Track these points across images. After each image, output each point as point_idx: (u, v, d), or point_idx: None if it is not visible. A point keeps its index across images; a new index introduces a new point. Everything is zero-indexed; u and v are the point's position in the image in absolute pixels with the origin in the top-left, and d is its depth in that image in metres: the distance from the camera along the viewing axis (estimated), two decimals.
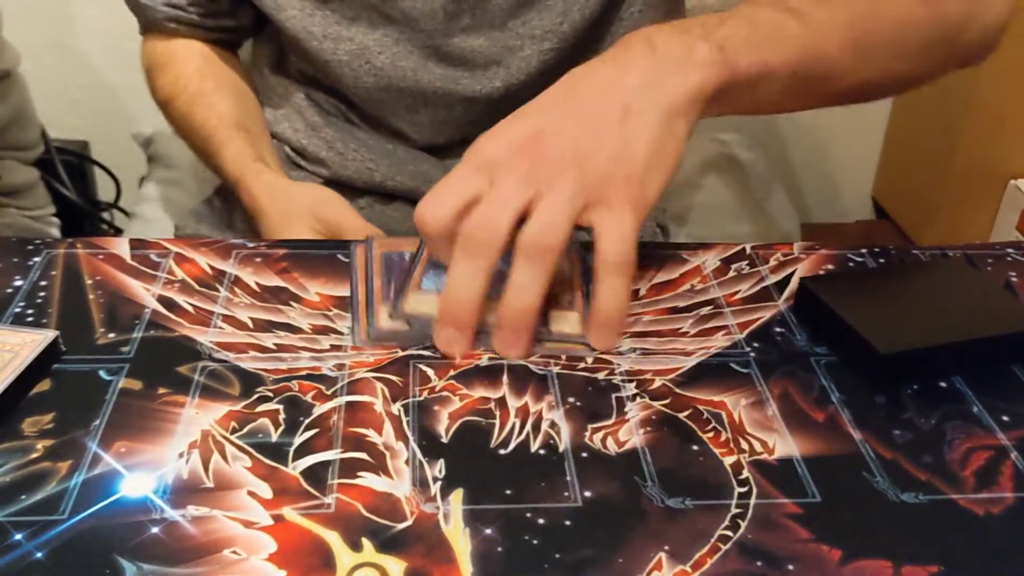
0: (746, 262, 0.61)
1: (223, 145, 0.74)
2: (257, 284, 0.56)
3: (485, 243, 0.48)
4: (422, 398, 0.48)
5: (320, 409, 0.47)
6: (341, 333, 0.52)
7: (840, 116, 1.44)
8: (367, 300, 0.54)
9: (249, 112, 0.79)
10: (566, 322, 0.52)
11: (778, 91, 0.55)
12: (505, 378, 0.49)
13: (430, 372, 0.50)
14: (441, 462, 0.44)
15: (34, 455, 0.43)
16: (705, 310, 0.56)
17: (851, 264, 0.61)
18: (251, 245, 0.59)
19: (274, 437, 0.45)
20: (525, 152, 0.49)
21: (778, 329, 0.54)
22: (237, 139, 0.74)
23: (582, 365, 0.51)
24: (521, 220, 0.48)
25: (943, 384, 0.51)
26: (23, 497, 0.41)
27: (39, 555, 0.38)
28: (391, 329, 0.52)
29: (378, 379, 0.49)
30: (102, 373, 0.48)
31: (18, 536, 0.39)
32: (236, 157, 0.73)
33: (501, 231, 0.48)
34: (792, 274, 0.59)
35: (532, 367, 0.50)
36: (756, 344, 0.53)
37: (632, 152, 0.49)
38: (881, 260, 0.62)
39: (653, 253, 0.61)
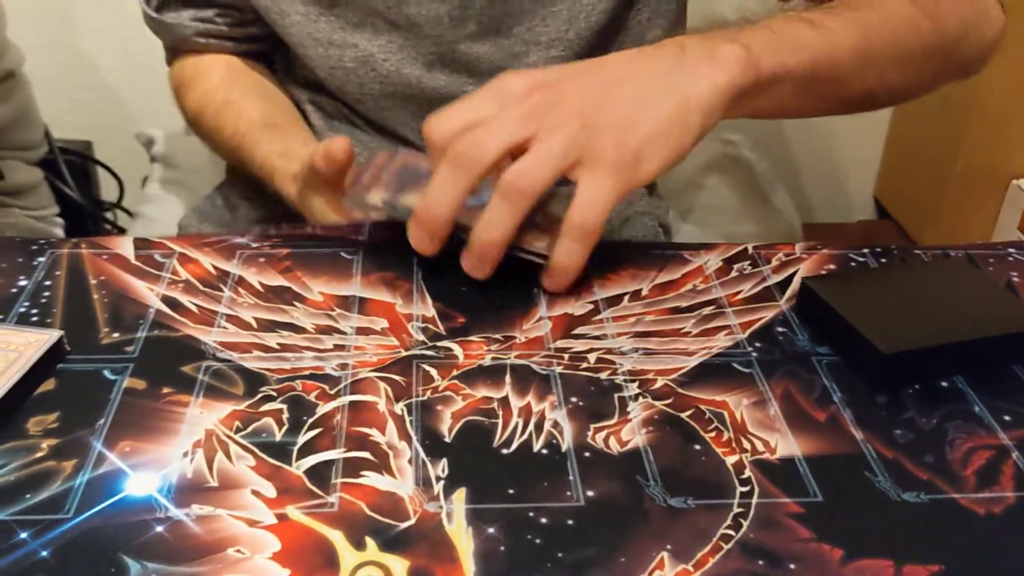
0: (748, 262, 0.61)
1: (252, 150, 0.73)
2: (261, 284, 0.56)
3: (469, 161, 0.49)
4: (425, 398, 0.48)
5: (323, 408, 0.47)
6: (344, 333, 0.52)
7: (843, 117, 1.44)
8: (371, 180, 0.57)
9: (277, 108, 0.77)
10: (532, 237, 0.54)
11: (792, 94, 0.57)
12: (508, 378, 0.50)
13: (433, 372, 0.50)
14: (444, 461, 0.44)
15: (39, 454, 0.43)
16: (707, 310, 0.56)
17: (853, 264, 0.61)
18: (255, 245, 0.60)
19: (278, 436, 0.45)
20: (539, 94, 0.51)
21: (780, 329, 0.55)
22: (263, 140, 0.72)
23: (585, 365, 0.51)
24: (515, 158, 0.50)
25: (944, 384, 0.51)
26: (28, 496, 0.41)
27: (44, 554, 0.38)
28: (370, 204, 0.56)
29: (381, 379, 0.49)
30: (106, 373, 0.49)
31: (23, 535, 0.39)
32: (263, 160, 0.72)
33: (487, 155, 0.49)
34: (794, 274, 0.59)
35: (535, 367, 0.50)
36: (758, 344, 0.53)
37: (637, 126, 0.50)
38: (883, 260, 0.62)
39: (655, 253, 0.61)
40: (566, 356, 0.52)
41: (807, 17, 0.58)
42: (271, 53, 0.83)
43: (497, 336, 0.53)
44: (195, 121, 0.79)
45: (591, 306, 0.56)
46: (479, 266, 0.53)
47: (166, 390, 0.48)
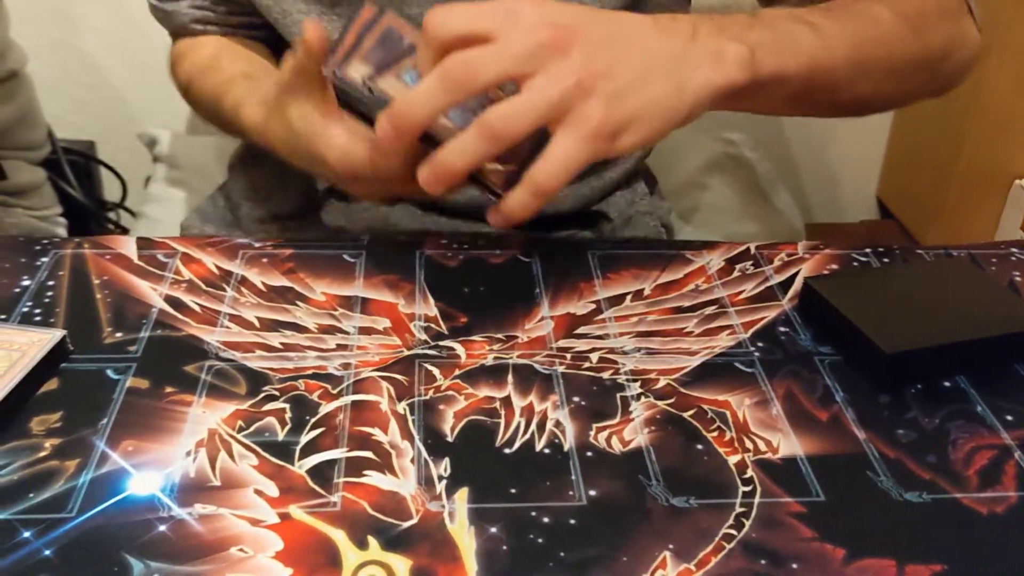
0: (750, 262, 0.61)
1: (226, 95, 0.71)
2: (263, 284, 0.56)
3: (460, 81, 0.48)
4: (427, 397, 0.48)
5: (326, 408, 0.47)
6: (347, 332, 0.52)
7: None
8: (351, 45, 0.55)
9: (260, 66, 0.76)
10: (492, 168, 0.53)
11: (785, 96, 0.57)
12: (510, 378, 0.50)
13: (436, 372, 0.50)
14: (446, 461, 0.44)
15: (42, 454, 0.43)
16: (710, 310, 0.56)
17: (855, 264, 0.61)
18: (257, 245, 0.60)
19: (280, 436, 0.45)
20: (549, 33, 0.49)
21: (782, 329, 0.55)
22: (239, 87, 0.70)
23: (587, 365, 0.51)
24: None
25: (947, 384, 0.51)
26: (31, 495, 0.41)
27: (47, 553, 0.38)
28: (350, 77, 0.53)
29: (384, 378, 0.49)
30: (109, 372, 0.49)
31: (26, 534, 0.39)
32: (234, 101, 0.70)
33: (479, 81, 0.48)
34: (796, 274, 0.59)
35: (537, 367, 0.51)
36: (760, 344, 0.53)
37: (629, 99, 0.50)
38: (885, 260, 0.62)
39: (658, 253, 0.61)
40: (568, 356, 0.52)
41: (809, 19, 0.58)
42: (269, 41, 0.83)
43: (499, 336, 0.53)
44: (187, 90, 0.79)
45: (593, 306, 0.56)
46: (433, 184, 0.51)
47: (169, 389, 0.48)
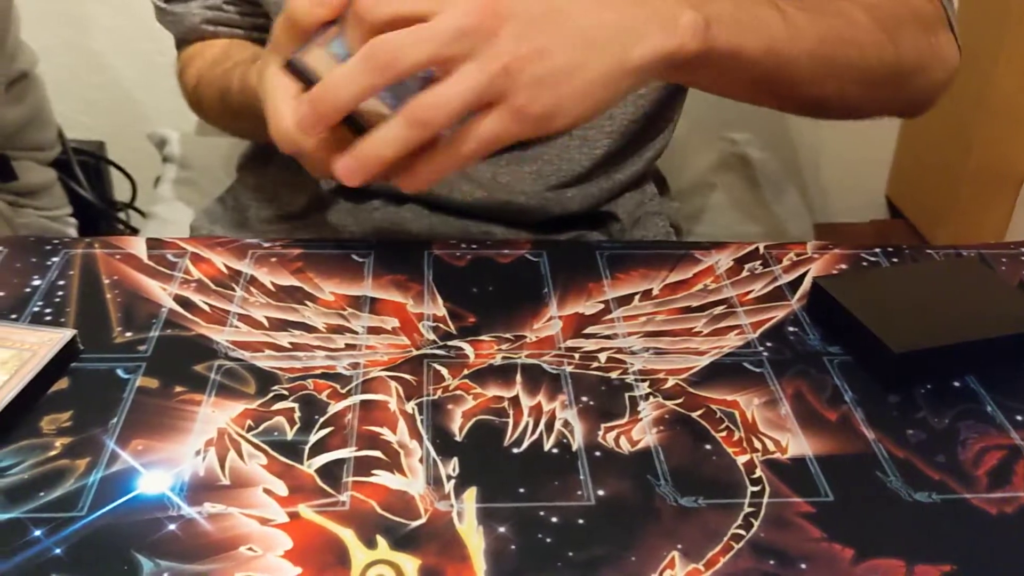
0: (759, 262, 0.61)
1: (243, 80, 0.68)
2: (272, 284, 0.56)
3: (384, 64, 0.46)
4: (436, 397, 0.48)
5: (335, 408, 0.47)
6: (356, 332, 0.53)
7: None
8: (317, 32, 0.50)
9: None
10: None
11: (741, 78, 0.55)
12: (519, 377, 0.50)
13: (444, 371, 0.50)
14: (455, 460, 0.44)
15: (52, 452, 0.44)
16: (718, 310, 0.56)
17: (864, 264, 0.61)
18: (266, 245, 0.60)
19: (289, 435, 0.45)
20: (478, 16, 0.47)
21: (791, 329, 0.54)
22: (249, 69, 0.68)
23: (595, 365, 0.51)
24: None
25: (956, 383, 0.51)
26: (42, 494, 0.41)
27: (58, 551, 0.39)
28: (309, 67, 0.49)
29: (392, 378, 0.49)
30: (119, 371, 0.49)
31: (37, 532, 0.39)
32: (243, 82, 0.68)
33: (404, 64, 0.46)
34: (805, 274, 0.59)
35: (545, 367, 0.51)
36: (769, 344, 0.53)
37: (565, 80, 0.47)
38: (895, 260, 0.61)
39: (666, 253, 0.61)
40: (577, 356, 0.52)
41: (779, 5, 0.55)
42: None
43: (508, 336, 0.53)
44: (195, 89, 0.79)
45: (602, 306, 0.56)
46: (352, 174, 0.48)
47: (179, 389, 0.48)
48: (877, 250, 0.62)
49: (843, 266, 0.61)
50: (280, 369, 0.50)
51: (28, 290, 0.55)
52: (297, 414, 0.47)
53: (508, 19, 0.47)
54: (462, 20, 0.46)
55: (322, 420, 0.46)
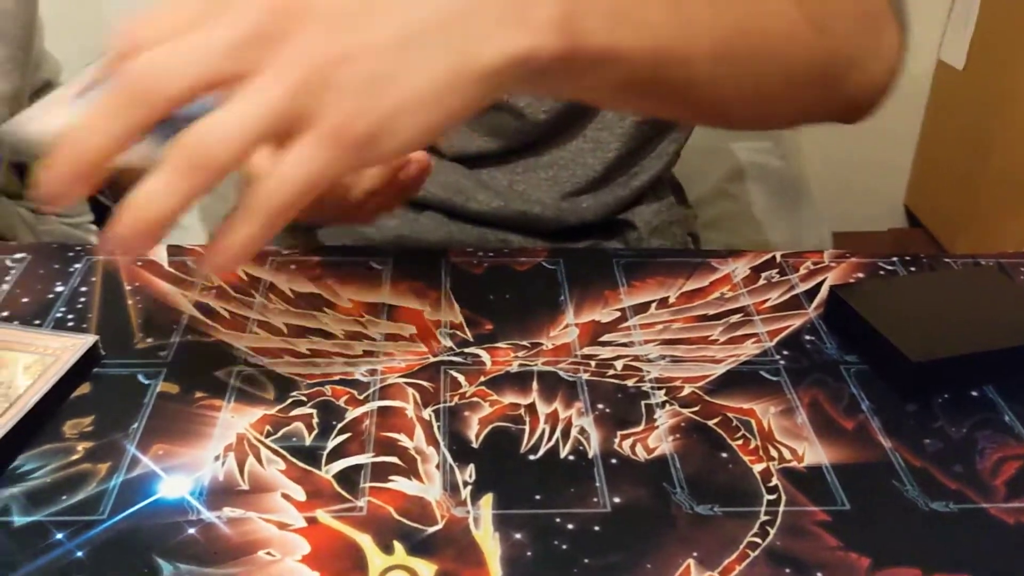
0: (776, 270, 0.61)
1: None
2: (291, 290, 0.57)
3: (140, 95, 0.35)
4: (453, 404, 0.48)
5: (352, 414, 0.47)
6: (374, 339, 0.53)
7: (871, 123, 1.44)
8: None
9: None
10: None
11: (621, 85, 0.45)
12: (535, 384, 0.50)
13: (461, 378, 0.50)
14: (471, 467, 0.44)
15: (74, 457, 0.44)
16: (735, 318, 0.56)
17: (882, 272, 0.61)
18: (285, 252, 0.60)
19: (308, 441, 0.46)
20: (261, 17, 0.36)
21: (808, 337, 0.54)
22: None
23: (612, 372, 0.51)
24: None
25: (974, 393, 0.51)
26: (64, 498, 0.42)
27: (79, 554, 0.39)
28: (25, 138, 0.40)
29: (409, 384, 0.50)
30: (141, 377, 0.49)
31: (59, 535, 0.40)
32: None
33: (164, 97, 0.35)
34: (822, 282, 0.59)
35: (562, 374, 0.51)
36: (786, 352, 0.53)
37: (389, 88, 0.36)
38: (912, 268, 0.61)
39: (683, 261, 0.61)
40: (593, 363, 0.52)
41: None
42: None
43: (524, 343, 0.53)
44: None
45: (618, 313, 0.56)
46: (125, 245, 0.37)
47: (199, 394, 0.48)
48: (894, 259, 0.62)
49: (860, 275, 0.60)
50: (299, 375, 0.50)
51: (51, 296, 0.55)
52: (315, 420, 0.47)
53: (305, 17, 0.36)
54: (242, 24, 0.36)
55: (340, 426, 0.47)
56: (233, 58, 0.35)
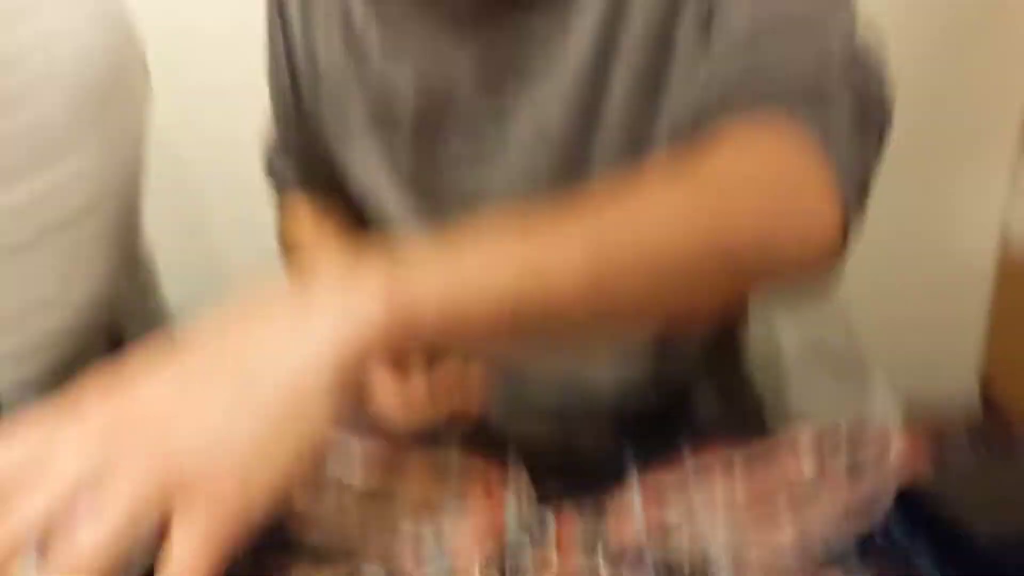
0: (843, 446, 0.60)
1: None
2: None
3: None
4: None
5: None
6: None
7: (942, 298, 1.44)
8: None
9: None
10: None
11: (485, 333, 0.43)
12: None
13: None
14: None
15: None
16: (798, 490, 0.55)
17: (953, 452, 0.60)
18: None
19: None
20: (107, 412, 0.38)
21: (876, 519, 0.53)
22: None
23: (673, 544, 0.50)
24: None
25: None
26: None
27: None
28: None
29: None
30: None
31: None
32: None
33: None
34: (890, 461, 0.58)
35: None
36: (852, 531, 0.52)
37: (231, 442, 0.37)
38: (986, 449, 0.60)
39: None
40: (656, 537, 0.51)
41: (531, 225, 0.44)
42: None
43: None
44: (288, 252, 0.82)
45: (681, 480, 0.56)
46: None
47: None
48: (967, 438, 0.61)
49: (930, 454, 0.60)
50: None
51: None
52: None
53: (138, 393, 0.38)
54: (86, 425, 0.37)
55: None
56: (74, 492, 0.36)
